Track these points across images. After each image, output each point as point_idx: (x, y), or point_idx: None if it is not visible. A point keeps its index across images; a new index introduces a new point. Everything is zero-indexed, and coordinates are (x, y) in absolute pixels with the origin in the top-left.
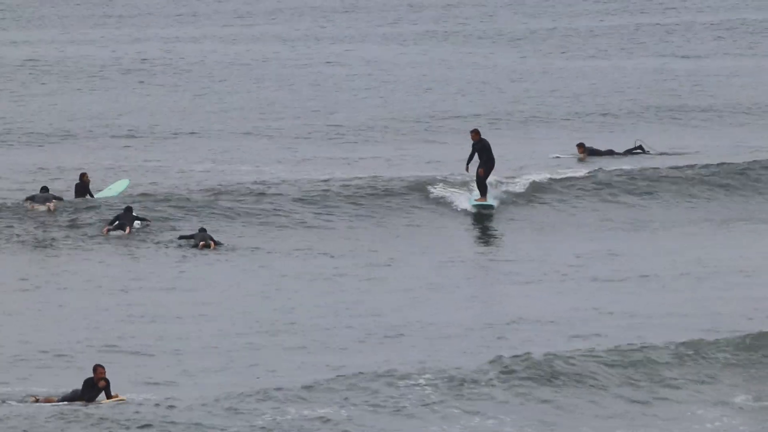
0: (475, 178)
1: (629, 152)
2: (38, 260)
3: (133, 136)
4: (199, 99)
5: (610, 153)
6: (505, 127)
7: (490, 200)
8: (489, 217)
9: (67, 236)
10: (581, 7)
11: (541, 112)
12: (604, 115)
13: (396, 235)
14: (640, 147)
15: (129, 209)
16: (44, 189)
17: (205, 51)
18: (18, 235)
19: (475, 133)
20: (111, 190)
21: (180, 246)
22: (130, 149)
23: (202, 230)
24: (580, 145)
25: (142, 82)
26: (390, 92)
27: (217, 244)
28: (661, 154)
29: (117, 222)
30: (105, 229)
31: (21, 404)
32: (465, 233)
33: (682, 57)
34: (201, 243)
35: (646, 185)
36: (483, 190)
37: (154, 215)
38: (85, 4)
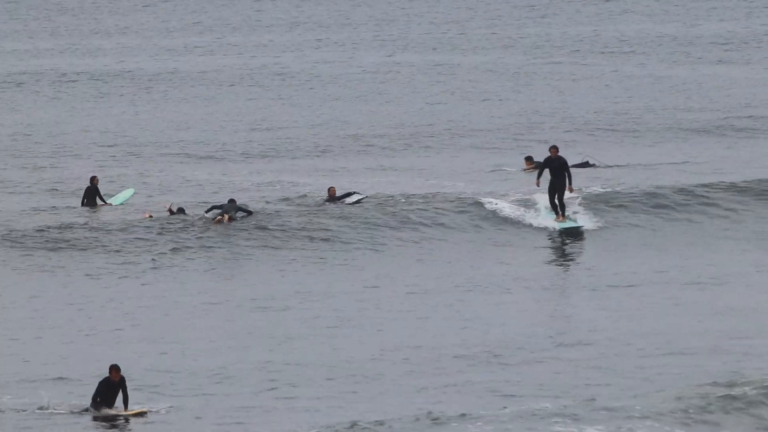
0: (548, 194)
1: (577, 166)
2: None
3: (141, 148)
4: (210, 110)
5: None
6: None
7: (579, 220)
8: (550, 234)
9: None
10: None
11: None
12: (581, 129)
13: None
14: (587, 162)
15: (181, 210)
16: (231, 201)
17: (210, 63)
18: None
19: (555, 149)
20: (117, 199)
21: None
22: (138, 162)
23: (231, 201)
24: (528, 159)
25: (152, 93)
26: (407, 101)
27: (249, 213)
28: (610, 167)
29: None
30: (147, 213)
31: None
32: (534, 250)
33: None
34: (217, 218)
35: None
36: (563, 208)
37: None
38: (93, 18)
